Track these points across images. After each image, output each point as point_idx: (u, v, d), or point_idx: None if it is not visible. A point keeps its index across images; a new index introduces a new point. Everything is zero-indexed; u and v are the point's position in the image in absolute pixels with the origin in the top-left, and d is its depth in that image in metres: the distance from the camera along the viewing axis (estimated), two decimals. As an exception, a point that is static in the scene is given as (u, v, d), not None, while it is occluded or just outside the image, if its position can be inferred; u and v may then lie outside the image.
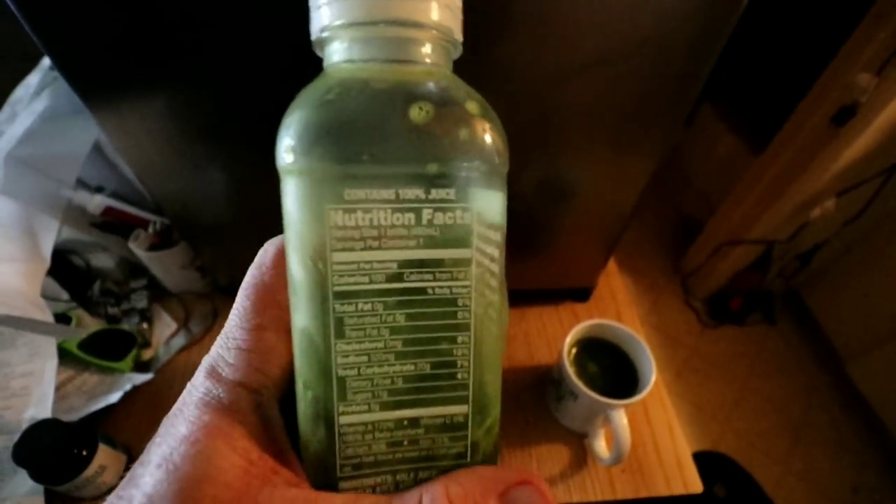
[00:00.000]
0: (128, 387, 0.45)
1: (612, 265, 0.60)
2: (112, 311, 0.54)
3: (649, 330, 1.42)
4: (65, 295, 0.52)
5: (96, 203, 0.47)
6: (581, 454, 0.44)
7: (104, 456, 0.39)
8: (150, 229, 0.49)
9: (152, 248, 0.49)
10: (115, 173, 0.49)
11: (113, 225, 0.49)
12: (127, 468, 0.42)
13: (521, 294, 0.54)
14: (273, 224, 0.45)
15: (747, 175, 1.26)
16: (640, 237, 1.69)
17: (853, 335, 1.27)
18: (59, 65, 0.31)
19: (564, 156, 0.39)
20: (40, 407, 0.42)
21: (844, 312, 1.31)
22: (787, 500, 1.15)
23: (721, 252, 1.34)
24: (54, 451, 0.36)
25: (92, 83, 0.33)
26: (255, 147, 0.39)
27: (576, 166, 0.40)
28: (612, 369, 0.43)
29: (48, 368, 0.43)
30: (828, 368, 1.38)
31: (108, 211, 0.47)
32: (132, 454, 0.44)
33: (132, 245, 0.49)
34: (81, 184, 0.48)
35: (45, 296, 0.51)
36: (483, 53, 0.30)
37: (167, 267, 0.51)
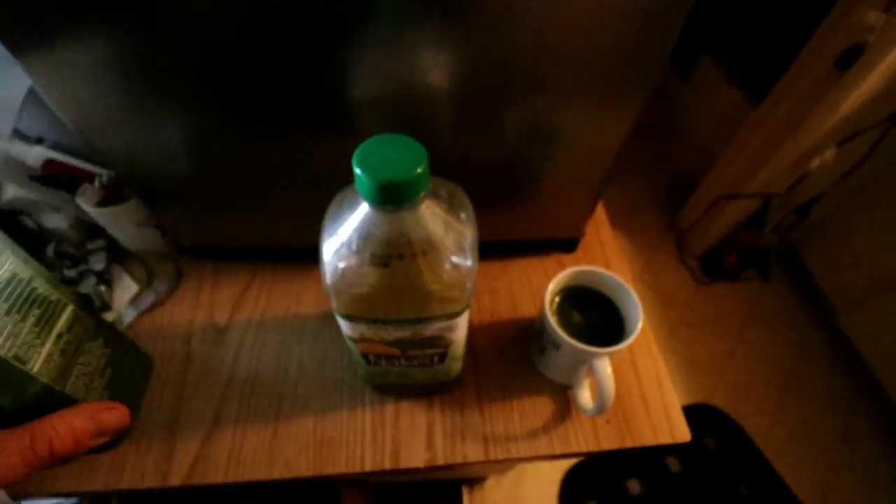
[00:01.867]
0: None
1: (601, 214, 0.57)
2: (69, 273, 0.50)
3: (643, 288, 1.41)
4: (15, 257, 0.49)
5: (36, 155, 0.43)
6: (565, 406, 0.42)
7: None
8: (97, 183, 0.45)
9: (101, 203, 0.45)
10: (57, 122, 0.45)
11: (57, 179, 0.45)
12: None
13: (505, 246, 0.51)
14: (237, 179, 0.42)
15: (745, 127, 1.21)
16: (635, 195, 1.65)
17: (847, 288, 1.26)
18: None
19: (544, 97, 0.36)
20: None
21: (839, 266, 1.30)
22: (775, 451, 1.17)
23: (717, 207, 1.31)
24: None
25: (13, 21, 0.29)
26: (214, 94, 0.35)
27: (556, 107, 0.37)
28: (597, 318, 0.41)
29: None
30: (820, 322, 1.37)
31: (50, 164, 0.43)
32: (94, 420, 0.41)
33: (79, 200, 0.45)
34: (18, 135, 0.44)
35: (-8, 258, 0.47)
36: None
37: (121, 225, 0.48)
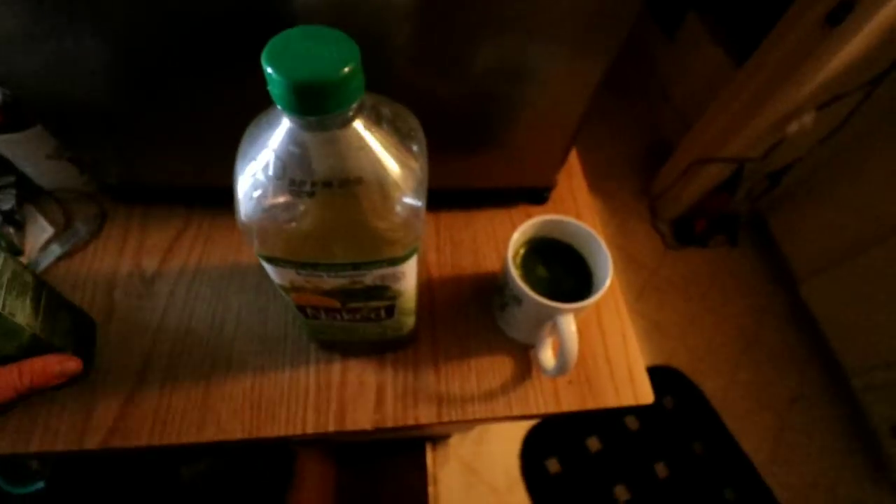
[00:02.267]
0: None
1: (575, 165, 0.53)
2: (-34, 209, 0.44)
3: (614, 251, 1.40)
4: None
5: None
6: (525, 366, 0.40)
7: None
8: (-11, 102, 0.38)
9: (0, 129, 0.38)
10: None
11: (-62, 96, 0.38)
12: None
13: (470, 195, 0.47)
14: (165, 106, 0.34)
15: (725, 89, 1.18)
16: (612, 159, 1.62)
17: (809, 257, 1.29)
18: None
19: (515, 29, 0.31)
20: None
21: (804, 234, 1.31)
22: (730, 409, 1.21)
23: (691, 171, 1.30)
24: None
25: None
26: (130, 5, 0.29)
27: (528, 40, 0.32)
28: (563, 273, 0.37)
29: None
30: (782, 289, 1.41)
31: (-75, 75, 0.36)
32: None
33: (-32, 123, 0.38)
34: None
35: None
36: None
37: (28, 156, 0.41)
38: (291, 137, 0.20)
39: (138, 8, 0.29)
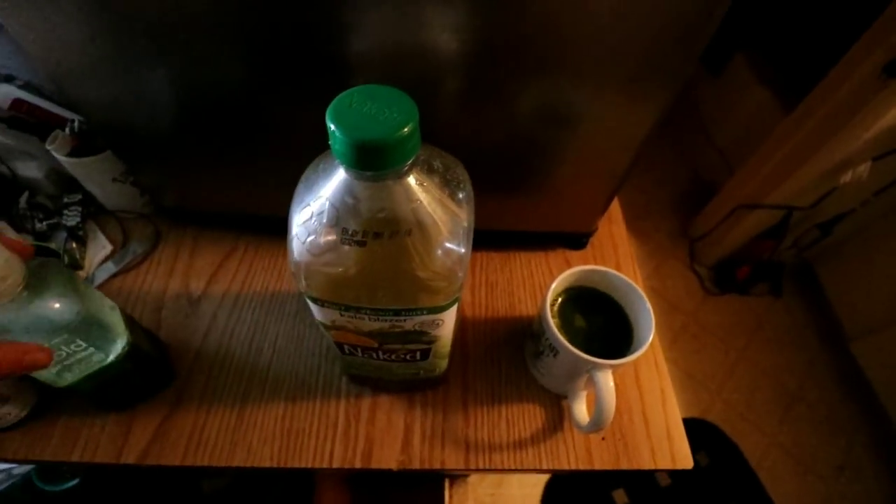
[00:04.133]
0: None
1: (616, 212, 0.53)
2: (40, 226, 0.47)
3: (649, 293, 1.36)
4: (-16, 205, 0.45)
5: (2, 94, 0.39)
6: (557, 417, 0.38)
7: (4, 386, 0.34)
8: (68, 130, 0.41)
9: (73, 153, 0.42)
10: (30, 61, 0.41)
11: (26, 123, 0.42)
12: (42, 403, 0.37)
13: (507, 236, 0.47)
14: (223, 139, 0.37)
15: (775, 133, 1.15)
16: (649, 196, 1.59)
17: (864, 313, 1.21)
18: None
19: (567, 77, 0.32)
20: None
21: (857, 289, 1.24)
22: (770, 473, 1.13)
23: (735, 216, 1.26)
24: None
25: None
26: (195, 47, 0.31)
27: (577, 88, 0.32)
28: (602, 324, 0.37)
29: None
30: (829, 345, 1.32)
31: (18, 104, 0.40)
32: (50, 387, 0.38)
33: (50, 148, 0.41)
34: (-13, 70, 0.40)
35: (-45, 203, 0.44)
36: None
37: (95, 178, 0.44)
38: (347, 188, 0.21)
39: (204, 54, 0.31)
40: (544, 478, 1.08)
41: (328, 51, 0.30)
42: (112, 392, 0.36)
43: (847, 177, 1.03)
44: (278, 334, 0.42)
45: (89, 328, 0.29)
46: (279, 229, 0.47)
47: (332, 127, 0.18)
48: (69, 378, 0.31)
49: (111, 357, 0.31)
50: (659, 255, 1.47)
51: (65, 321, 0.27)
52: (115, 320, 0.32)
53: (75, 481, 0.96)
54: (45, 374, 0.30)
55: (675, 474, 1.11)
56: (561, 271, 0.47)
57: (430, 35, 0.29)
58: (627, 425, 0.39)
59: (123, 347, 0.32)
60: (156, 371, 0.38)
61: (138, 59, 0.32)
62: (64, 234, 0.46)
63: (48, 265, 0.27)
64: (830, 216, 1.19)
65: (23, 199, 0.48)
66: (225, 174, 0.43)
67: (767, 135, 1.18)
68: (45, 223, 0.47)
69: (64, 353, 0.28)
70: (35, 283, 0.25)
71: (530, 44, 0.29)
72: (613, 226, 0.51)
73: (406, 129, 0.18)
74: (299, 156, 0.35)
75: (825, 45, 1.05)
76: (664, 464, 0.37)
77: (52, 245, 0.46)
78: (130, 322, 0.35)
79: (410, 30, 0.29)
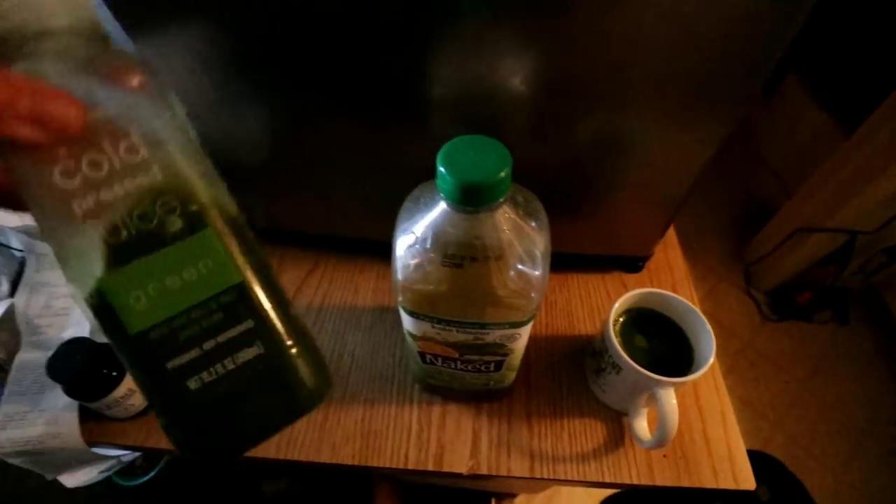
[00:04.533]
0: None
1: (672, 237, 0.54)
2: (153, 244, 0.54)
3: (701, 318, 1.33)
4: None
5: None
6: (618, 433, 0.40)
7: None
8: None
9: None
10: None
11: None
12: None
13: (567, 258, 0.50)
14: (313, 167, 0.43)
15: (835, 154, 1.12)
16: (702, 218, 1.57)
17: (941, 344, 1.13)
18: None
19: (628, 107, 0.34)
20: (79, 327, 0.43)
21: (933, 318, 1.16)
22: (838, 513, 1.06)
23: (794, 239, 1.22)
24: (86, 368, 0.37)
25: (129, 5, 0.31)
26: (295, 86, 0.37)
27: (637, 122, 0.35)
28: (662, 344, 0.38)
29: (88, 292, 0.44)
30: (904, 378, 1.24)
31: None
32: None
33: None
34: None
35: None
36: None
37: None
38: (448, 219, 0.25)
39: (308, 92, 0.36)
40: (594, 502, 1.07)
41: (415, 91, 0.35)
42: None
43: (918, 200, 0.98)
44: (356, 344, 0.47)
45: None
46: (355, 249, 0.52)
47: (442, 170, 0.23)
48: None
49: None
50: (712, 279, 1.43)
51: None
52: None
53: (147, 477, 1.05)
54: None
55: (731, 507, 1.07)
56: (617, 292, 0.49)
57: (500, 76, 0.33)
58: (688, 444, 0.40)
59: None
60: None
61: (240, 96, 0.37)
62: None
63: None
64: (900, 241, 1.13)
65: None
66: (311, 199, 0.49)
67: (825, 157, 1.15)
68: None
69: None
70: None
71: (598, 82, 0.33)
72: (669, 250, 0.53)
73: (503, 174, 0.22)
74: (377, 188, 0.40)
75: (885, 66, 1.02)
76: (726, 483, 0.38)
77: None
78: None
79: (486, 74, 0.33)
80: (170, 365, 0.15)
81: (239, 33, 0.33)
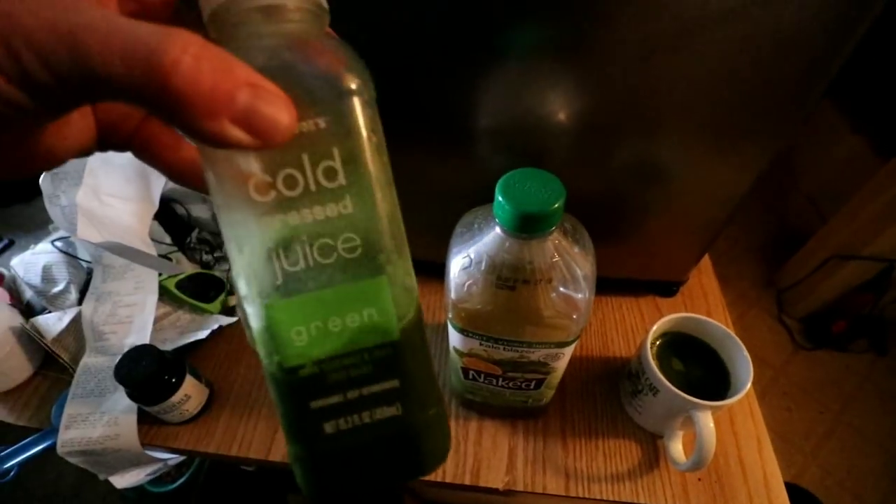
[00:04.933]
0: (215, 326, 0.48)
1: (706, 262, 0.55)
2: (206, 257, 0.58)
3: (730, 344, 1.30)
4: (167, 238, 0.57)
5: (200, 154, 0.50)
6: (653, 455, 0.41)
7: (190, 386, 0.42)
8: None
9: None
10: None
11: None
12: (209, 401, 0.46)
13: (603, 282, 0.51)
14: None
15: (871, 181, 1.10)
16: (734, 242, 1.55)
17: None
18: None
19: (667, 138, 0.36)
20: (140, 334, 0.46)
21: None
22: (878, 553, 1.02)
23: (829, 266, 1.19)
24: (149, 374, 0.40)
25: None
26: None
27: (678, 151, 0.37)
28: (698, 369, 0.39)
29: (149, 301, 0.48)
30: (947, 413, 1.19)
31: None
32: (213, 389, 0.47)
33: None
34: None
35: (151, 237, 0.56)
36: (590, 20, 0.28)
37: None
38: (502, 244, 0.27)
39: None
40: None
41: (465, 124, 0.37)
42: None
43: (960, 229, 0.96)
44: (395, 359, 0.48)
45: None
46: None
47: (501, 199, 0.25)
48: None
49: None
50: (743, 304, 1.41)
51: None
52: None
53: (175, 485, 1.07)
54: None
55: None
56: (651, 316, 0.50)
57: (551, 112, 0.35)
58: (724, 469, 0.40)
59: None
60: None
61: None
62: (225, 265, 0.56)
63: None
64: (942, 270, 1.10)
65: (193, 235, 0.59)
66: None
67: (861, 183, 1.14)
68: (210, 255, 0.58)
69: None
70: None
71: (641, 117, 0.34)
72: (703, 276, 0.53)
73: (557, 205, 0.24)
74: (426, 207, 0.42)
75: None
76: (763, 510, 0.38)
77: (216, 273, 0.56)
78: None
79: (532, 108, 0.35)
80: (313, 405, 0.15)
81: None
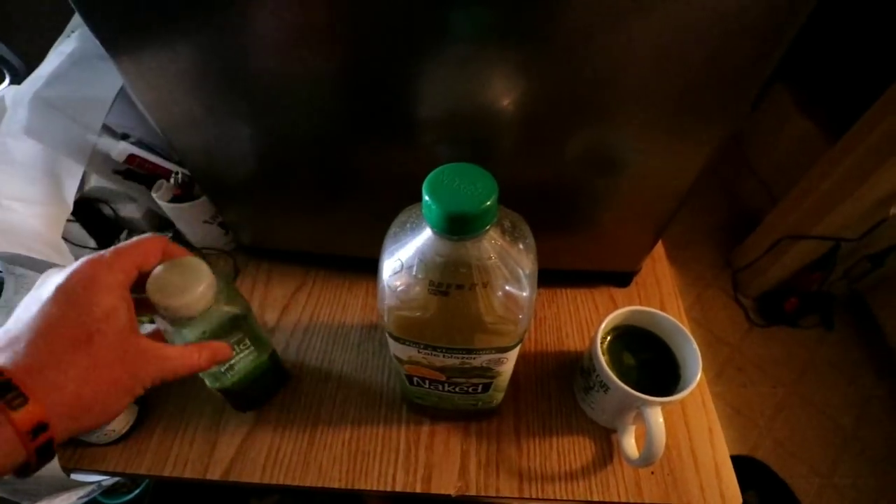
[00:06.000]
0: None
1: (659, 250, 0.55)
2: (137, 261, 0.53)
3: (691, 325, 1.33)
4: (92, 242, 0.52)
5: (120, 150, 0.46)
6: (607, 450, 0.40)
7: (115, 404, 0.39)
8: (172, 180, 0.47)
9: (174, 199, 0.48)
10: (143, 121, 0.47)
11: (137, 174, 0.48)
12: (140, 418, 0.42)
13: (554, 274, 0.50)
14: (300, 186, 0.43)
15: (820, 163, 1.14)
16: (688, 227, 1.58)
17: (924, 348, 1.15)
18: (79, 6, 0.29)
19: (617, 126, 0.35)
20: (59, 350, 0.42)
21: (916, 322, 1.18)
22: (826, 517, 1.07)
23: (781, 247, 1.23)
24: (64, 394, 0.36)
25: (113, 27, 0.31)
26: (287, 106, 0.36)
27: (629, 139, 0.35)
28: (650, 362, 0.39)
29: (68, 313, 0.43)
30: (887, 381, 1.26)
31: (132, 159, 0.46)
32: (146, 404, 0.43)
33: (154, 195, 0.48)
34: (107, 129, 0.47)
35: (72, 242, 0.51)
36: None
37: (189, 220, 0.50)
38: (434, 246, 0.25)
39: (295, 115, 0.36)
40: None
41: (404, 112, 0.35)
42: (254, 389, 0.41)
43: (898, 208, 1.00)
44: (344, 362, 0.46)
45: (254, 329, 0.35)
46: (344, 266, 0.52)
47: (428, 199, 0.22)
48: (230, 378, 0.37)
49: (263, 356, 0.38)
50: (700, 285, 1.45)
51: (239, 323, 0.33)
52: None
53: (131, 496, 1.02)
54: (214, 376, 0.36)
55: (722, 514, 1.07)
56: (606, 307, 0.49)
57: (489, 97, 0.33)
58: (676, 461, 0.40)
59: (270, 347, 0.39)
60: (281, 370, 0.44)
61: (236, 123, 0.37)
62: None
63: (219, 278, 0.31)
64: (882, 248, 1.15)
65: (122, 237, 0.55)
66: (298, 217, 0.48)
67: (811, 165, 1.17)
68: (141, 258, 0.53)
69: (235, 353, 0.34)
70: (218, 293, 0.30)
71: (586, 102, 0.32)
72: (657, 264, 0.53)
73: (488, 203, 0.22)
74: (366, 206, 0.40)
75: (868, 76, 1.04)
76: (713, 500, 0.38)
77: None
78: None
79: (474, 95, 0.33)
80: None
81: (221, 54, 0.32)
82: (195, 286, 0.27)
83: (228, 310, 0.31)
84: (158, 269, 0.27)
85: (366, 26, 0.29)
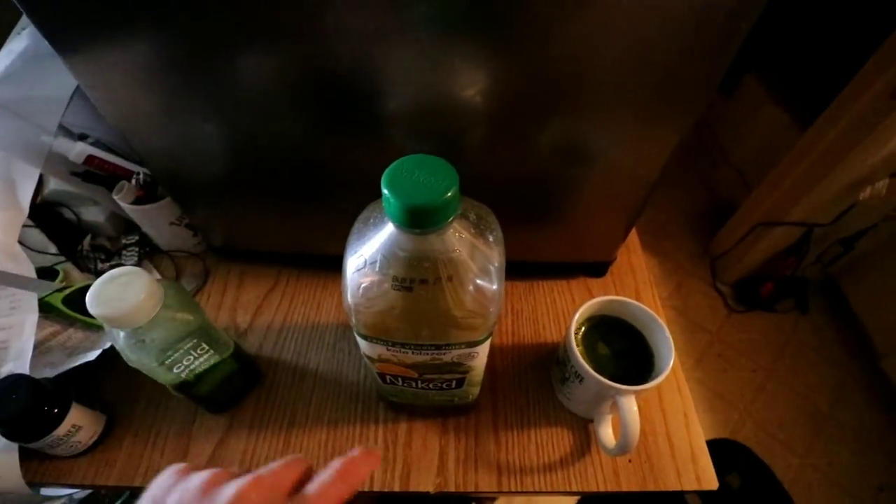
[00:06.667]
0: (107, 345, 0.43)
1: (634, 240, 0.55)
2: (102, 266, 0.52)
3: (672, 313, 1.36)
4: (52, 248, 0.50)
5: (77, 151, 0.44)
6: (585, 441, 0.40)
7: (78, 415, 0.38)
8: (134, 181, 0.46)
9: (137, 201, 0.46)
10: (101, 120, 0.46)
11: (97, 175, 0.47)
12: (108, 428, 0.41)
13: (530, 266, 0.50)
14: (268, 185, 0.42)
15: (791, 151, 1.16)
16: (667, 217, 1.60)
17: (893, 328, 1.19)
18: (20, 1, 0.28)
19: (584, 116, 0.34)
20: (19, 362, 0.40)
21: (885, 304, 1.22)
22: (805, 495, 1.10)
23: (756, 233, 1.26)
24: (22, 408, 0.34)
25: (59, 22, 0.29)
26: (248, 103, 0.35)
27: (596, 128, 0.35)
28: (625, 351, 0.39)
29: (28, 322, 0.42)
30: (860, 362, 1.30)
31: (91, 160, 0.44)
32: (115, 413, 0.42)
33: (116, 197, 0.46)
34: (64, 130, 0.45)
35: (31, 248, 0.49)
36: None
37: (155, 223, 0.49)
38: (396, 241, 0.24)
39: (258, 111, 0.35)
40: (572, 500, 1.08)
41: (370, 105, 0.34)
42: (222, 391, 0.41)
43: (866, 193, 1.03)
44: (319, 363, 0.45)
45: (208, 333, 0.35)
46: (317, 264, 0.51)
47: (387, 192, 0.22)
48: (192, 382, 0.37)
49: (225, 355, 0.38)
50: (679, 274, 1.47)
51: (191, 328, 0.33)
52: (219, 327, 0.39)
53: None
54: (176, 382, 0.36)
55: (706, 498, 1.09)
56: (583, 298, 0.50)
57: (456, 89, 0.32)
58: (653, 448, 0.40)
59: (231, 348, 0.39)
60: (251, 370, 0.44)
61: (193, 116, 0.36)
62: (124, 274, 0.51)
63: (168, 286, 0.33)
64: (852, 232, 1.19)
65: (86, 242, 0.53)
66: (268, 217, 0.47)
67: (783, 153, 1.19)
68: (106, 263, 0.52)
69: (192, 357, 0.35)
70: (166, 301, 0.32)
71: (552, 91, 0.32)
72: (632, 254, 0.53)
73: (449, 194, 0.22)
74: (336, 203, 0.39)
75: (836, 65, 1.07)
76: (690, 485, 0.38)
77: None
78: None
79: (440, 87, 0.32)
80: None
81: (177, 51, 0.31)
82: (134, 297, 0.29)
83: (178, 316, 0.32)
84: (98, 282, 0.29)
85: (329, 19, 0.28)
